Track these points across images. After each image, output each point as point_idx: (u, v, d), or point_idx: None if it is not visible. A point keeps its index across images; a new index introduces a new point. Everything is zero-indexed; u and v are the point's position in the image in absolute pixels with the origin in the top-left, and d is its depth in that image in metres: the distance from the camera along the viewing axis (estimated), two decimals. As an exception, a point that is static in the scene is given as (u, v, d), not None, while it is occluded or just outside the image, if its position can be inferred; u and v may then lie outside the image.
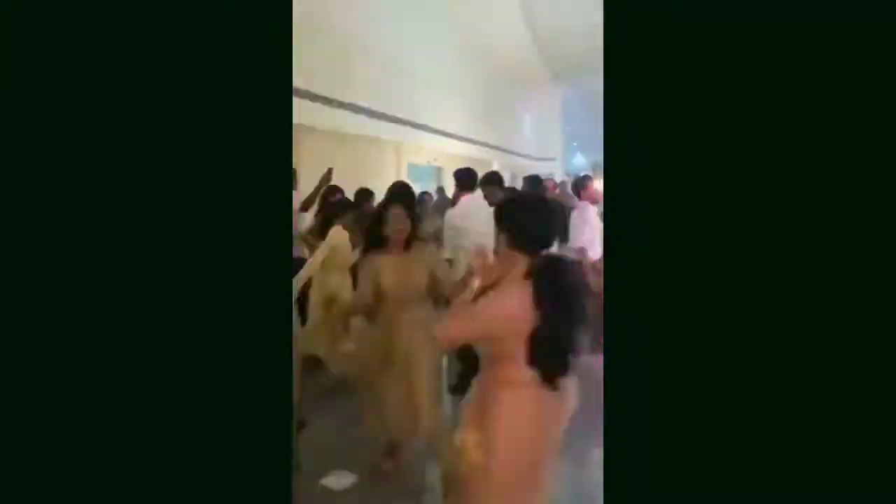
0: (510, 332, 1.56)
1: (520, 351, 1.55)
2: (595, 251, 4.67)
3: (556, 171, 14.18)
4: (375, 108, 7.52)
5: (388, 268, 2.43)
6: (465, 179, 4.25)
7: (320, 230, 3.47)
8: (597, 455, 2.70)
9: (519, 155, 14.27)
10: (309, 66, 6.25)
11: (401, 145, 8.43)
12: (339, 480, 2.68)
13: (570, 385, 1.67)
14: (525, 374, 1.57)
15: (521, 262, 1.63)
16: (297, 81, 6.29)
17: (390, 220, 2.43)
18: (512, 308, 1.55)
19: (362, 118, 7.10)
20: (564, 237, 4.54)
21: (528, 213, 1.70)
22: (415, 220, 2.50)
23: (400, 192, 3.25)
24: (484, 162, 11.46)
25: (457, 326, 1.70)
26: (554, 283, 1.58)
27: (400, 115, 8.25)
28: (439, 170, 10.32)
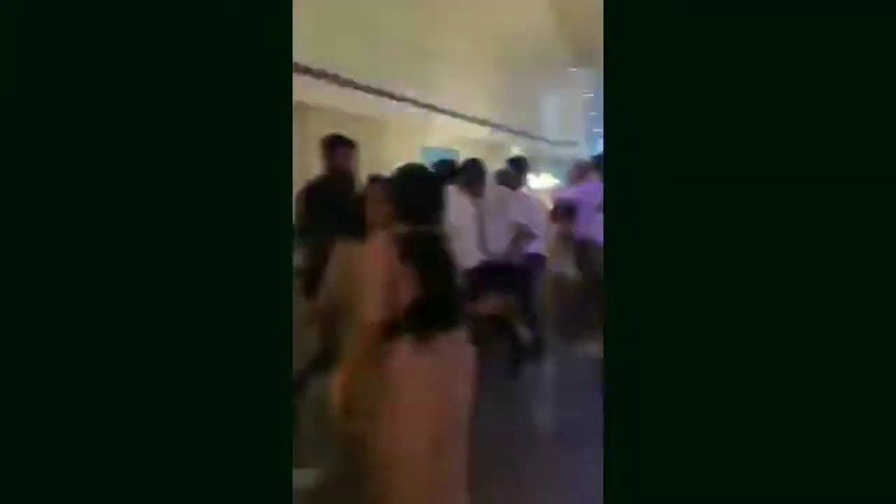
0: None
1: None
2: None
3: (580, 157, 13.93)
4: (386, 88, 7.30)
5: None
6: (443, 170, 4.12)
7: None
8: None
9: (539, 139, 13.97)
10: (316, 42, 6.04)
11: (413, 127, 8.23)
12: (303, 478, 2.53)
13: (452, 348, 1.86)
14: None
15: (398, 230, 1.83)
16: (302, 58, 6.11)
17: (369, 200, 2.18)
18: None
19: (372, 98, 6.89)
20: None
21: (414, 189, 1.89)
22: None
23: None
24: (502, 145, 11.20)
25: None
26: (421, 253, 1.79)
27: (413, 96, 8.02)
28: (455, 153, 10.12)
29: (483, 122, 10.84)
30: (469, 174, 4.21)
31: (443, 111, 8.99)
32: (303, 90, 6.44)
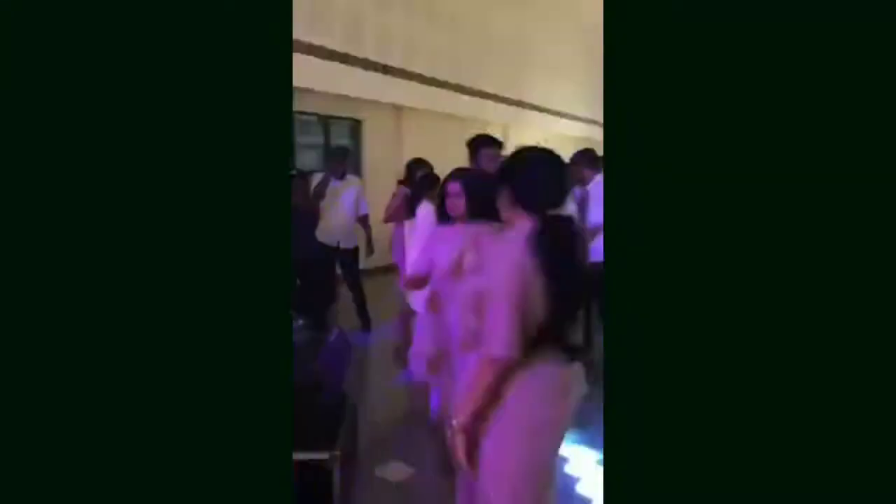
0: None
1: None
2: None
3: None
4: (482, 88, 7.37)
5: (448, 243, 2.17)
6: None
7: (410, 207, 3.43)
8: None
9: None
10: (414, 47, 6.23)
11: (508, 126, 8.26)
12: (395, 472, 2.66)
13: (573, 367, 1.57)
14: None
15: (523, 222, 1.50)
16: (403, 62, 6.32)
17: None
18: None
19: (469, 98, 6.99)
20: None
21: (533, 169, 1.57)
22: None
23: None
24: (597, 142, 10.99)
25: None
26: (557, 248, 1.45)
27: (508, 96, 8.06)
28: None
29: (578, 119, 10.68)
30: (583, 161, 4.06)
31: (535, 108, 8.96)
32: (400, 92, 6.66)
